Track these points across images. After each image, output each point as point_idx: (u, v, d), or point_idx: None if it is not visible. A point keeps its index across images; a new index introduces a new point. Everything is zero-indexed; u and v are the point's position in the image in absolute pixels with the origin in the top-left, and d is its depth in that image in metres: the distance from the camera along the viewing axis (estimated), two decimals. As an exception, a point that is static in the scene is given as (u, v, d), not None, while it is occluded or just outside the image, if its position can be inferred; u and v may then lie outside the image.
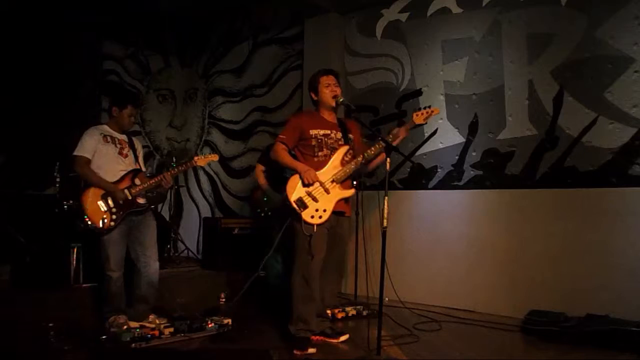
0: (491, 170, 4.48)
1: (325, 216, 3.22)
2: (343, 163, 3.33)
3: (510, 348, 3.41)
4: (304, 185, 3.23)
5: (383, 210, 3.01)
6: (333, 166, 3.31)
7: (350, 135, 3.46)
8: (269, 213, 4.49)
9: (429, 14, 4.92)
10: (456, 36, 4.74)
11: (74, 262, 4.05)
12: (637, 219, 3.75)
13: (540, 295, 4.03)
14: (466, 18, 4.68)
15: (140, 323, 3.60)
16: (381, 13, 5.24)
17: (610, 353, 3.21)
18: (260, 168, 4.60)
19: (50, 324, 3.21)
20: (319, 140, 3.34)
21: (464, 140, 4.64)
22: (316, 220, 3.20)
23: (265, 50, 6.27)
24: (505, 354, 3.26)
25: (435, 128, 4.82)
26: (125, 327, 3.42)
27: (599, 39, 3.97)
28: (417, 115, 3.38)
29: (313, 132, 3.35)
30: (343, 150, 3.36)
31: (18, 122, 5.34)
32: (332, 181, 3.26)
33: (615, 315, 3.55)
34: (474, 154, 4.59)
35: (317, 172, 3.26)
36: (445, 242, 4.63)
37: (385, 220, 3.00)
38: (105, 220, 3.46)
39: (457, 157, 4.67)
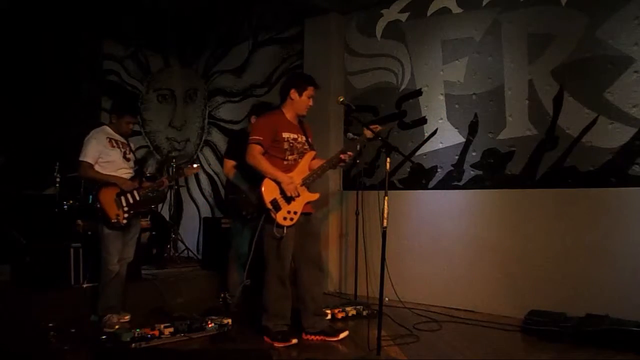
0: (491, 170, 4.48)
1: (296, 218, 3.32)
2: (310, 168, 3.44)
3: (510, 348, 3.40)
4: (283, 195, 3.28)
5: (383, 210, 3.03)
6: (302, 170, 3.42)
7: (310, 139, 3.56)
8: (255, 214, 4.08)
9: (429, 14, 4.92)
10: (456, 36, 4.74)
11: (74, 262, 4.06)
12: (637, 219, 3.75)
13: (540, 295, 4.03)
14: (466, 18, 4.68)
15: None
16: (381, 13, 5.24)
17: (610, 353, 3.21)
18: (230, 164, 4.20)
19: (50, 324, 3.21)
20: (290, 144, 3.40)
21: (464, 140, 4.63)
22: (287, 222, 3.29)
23: (265, 50, 6.27)
24: (505, 354, 3.26)
25: (435, 128, 4.82)
26: (117, 326, 3.49)
27: (599, 39, 3.97)
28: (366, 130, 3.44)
29: (285, 134, 3.38)
30: (310, 155, 3.49)
31: (18, 122, 5.34)
32: (302, 184, 3.36)
33: (615, 315, 3.55)
34: (474, 154, 4.58)
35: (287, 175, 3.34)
36: (445, 242, 4.63)
37: (385, 220, 3.02)
38: (119, 217, 3.62)
39: (457, 157, 4.67)
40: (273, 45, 6.18)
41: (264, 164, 3.29)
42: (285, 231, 3.26)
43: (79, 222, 4.42)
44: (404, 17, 5.09)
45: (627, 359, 3.15)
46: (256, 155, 3.30)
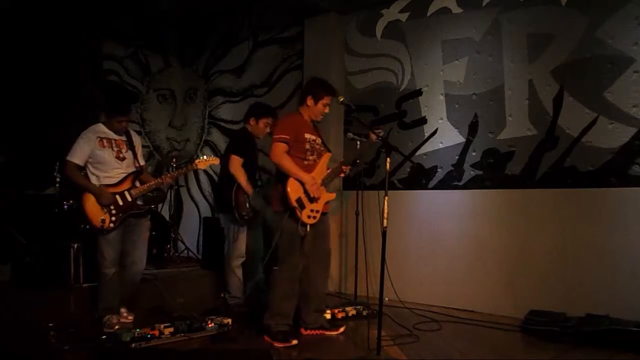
0: (491, 170, 4.48)
1: (318, 216, 3.40)
2: (328, 168, 3.52)
3: (510, 348, 3.41)
4: (307, 195, 3.34)
5: (383, 210, 3.04)
6: (320, 170, 3.48)
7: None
8: (251, 214, 4.11)
9: (429, 14, 4.92)
10: (456, 36, 4.74)
11: (74, 262, 4.05)
12: (637, 219, 3.75)
13: (540, 295, 4.03)
14: (466, 18, 4.68)
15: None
16: (381, 13, 5.24)
17: (610, 353, 3.21)
18: (238, 161, 4.04)
19: (50, 324, 3.21)
20: (311, 145, 3.47)
21: (464, 140, 4.64)
22: (311, 221, 3.36)
23: (265, 50, 6.27)
24: (505, 354, 3.27)
25: (435, 128, 4.82)
26: (117, 326, 3.47)
27: (599, 39, 3.97)
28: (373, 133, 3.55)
29: (307, 135, 3.46)
30: (328, 156, 3.56)
31: (18, 122, 5.34)
32: (322, 184, 3.43)
33: (615, 315, 3.56)
34: (474, 154, 4.58)
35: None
36: (445, 242, 4.63)
37: (385, 220, 3.03)
38: (105, 222, 3.51)
39: (457, 157, 4.67)
40: (273, 45, 6.18)
41: (289, 164, 3.34)
42: (308, 229, 3.33)
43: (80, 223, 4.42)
44: (404, 17, 5.09)
45: (627, 359, 3.15)
46: (281, 153, 3.35)
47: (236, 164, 4.05)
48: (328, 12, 5.41)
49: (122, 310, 3.74)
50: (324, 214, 3.51)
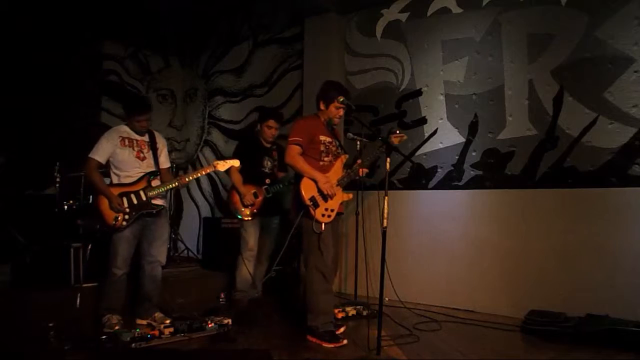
0: (491, 170, 4.48)
1: (333, 215, 3.44)
2: (344, 169, 3.56)
3: (510, 348, 3.40)
4: (321, 194, 3.38)
5: (383, 210, 3.05)
6: (337, 171, 3.53)
7: (341, 143, 3.70)
8: (254, 216, 4.25)
9: (429, 14, 4.92)
10: (456, 36, 4.74)
11: (74, 262, 4.05)
12: (637, 219, 3.75)
13: (540, 295, 4.03)
14: (466, 18, 4.68)
15: (147, 321, 3.69)
16: (381, 13, 5.24)
17: (610, 353, 3.21)
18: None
19: (50, 324, 3.21)
20: (326, 147, 3.53)
21: (464, 140, 4.64)
22: (325, 219, 3.39)
23: (265, 50, 6.27)
24: (505, 354, 3.26)
25: (435, 128, 4.82)
26: (117, 327, 3.46)
27: (599, 39, 3.97)
28: (394, 137, 3.55)
29: (322, 137, 3.52)
30: (344, 158, 3.62)
31: (18, 122, 5.34)
32: (337, 185, 3.47)
33: (615, 315, 3.56)
34: (474, 154, 4.58)
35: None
36: (445, 242, 4.63)
37: (385, 220, 3.03)
38: (118, 219, 3.54)
39: (457, 157, 4.67)
40: (273, 45, 6.18)
41: (302, 164, 3.41)
42: (323, 227, 3.37)
43: (79, 221, 4.42)
44: (404, 17, 5.09)
45: (627, 359, 3.15)
46: (295, 155, 3.43)
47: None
48: (328, 12, 5.41)
49: (156, 314, 3.75)
50: (339, 214, 3.54)
